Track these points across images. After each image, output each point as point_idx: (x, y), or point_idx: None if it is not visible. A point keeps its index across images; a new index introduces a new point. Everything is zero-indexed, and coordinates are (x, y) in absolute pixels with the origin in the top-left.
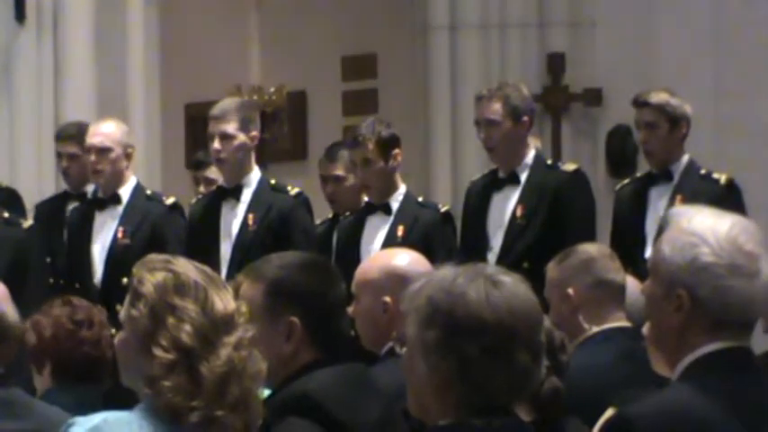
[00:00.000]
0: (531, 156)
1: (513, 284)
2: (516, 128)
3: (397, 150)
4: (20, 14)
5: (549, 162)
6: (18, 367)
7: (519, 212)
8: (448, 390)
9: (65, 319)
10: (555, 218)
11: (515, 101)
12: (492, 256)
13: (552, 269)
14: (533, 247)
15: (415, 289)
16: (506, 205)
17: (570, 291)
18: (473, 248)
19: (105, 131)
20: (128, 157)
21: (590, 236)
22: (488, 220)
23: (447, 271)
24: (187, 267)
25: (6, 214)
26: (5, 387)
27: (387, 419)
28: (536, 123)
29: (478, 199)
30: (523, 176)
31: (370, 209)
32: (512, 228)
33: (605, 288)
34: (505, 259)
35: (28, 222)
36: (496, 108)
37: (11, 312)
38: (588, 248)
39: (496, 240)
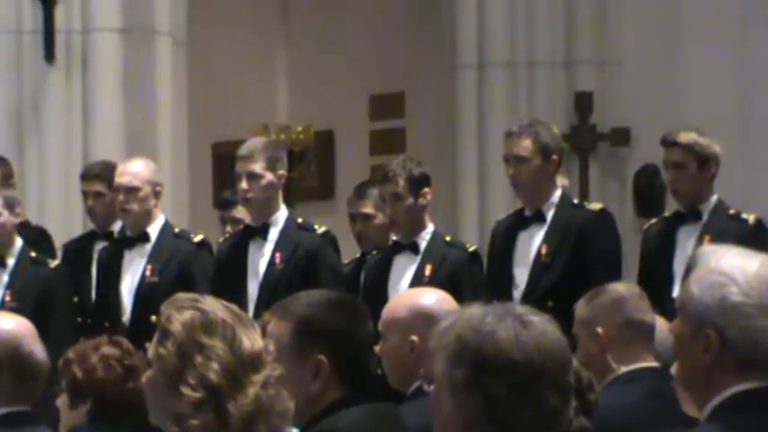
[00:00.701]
0: (557, 195)
1: (542, 324)
2: (545, 165)
3: (426, 189)
4: (49, 54)
5: (576, 201)
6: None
7: (544, 251)
8: (474, 429)
9: (114, 362)
10: (580, 257)
11: (546, 138)
12: (517, 294)
13: (582, 307)
14: (558, 286)
15: (443, 327)
16: (531, 244)
17: (599, 330)
18: (499, 286)
19: (134, 170)
20: (156, 195)
21: (615, 275)
22: (514, 259)
23: (476, 310)
24: (215, 306)
25: (33, 254)
26: (33, 425)
27: None
28: (564, 163)
29: (504, 237)
30: (549, 215)
31: (398, 248)
32: (536, 266)
33: (635, 328)
34: (530, 297)
35: (55, 262)
36: (526, 145)
37: (38, 351)
38: (618, 288)
39: (521, 278)
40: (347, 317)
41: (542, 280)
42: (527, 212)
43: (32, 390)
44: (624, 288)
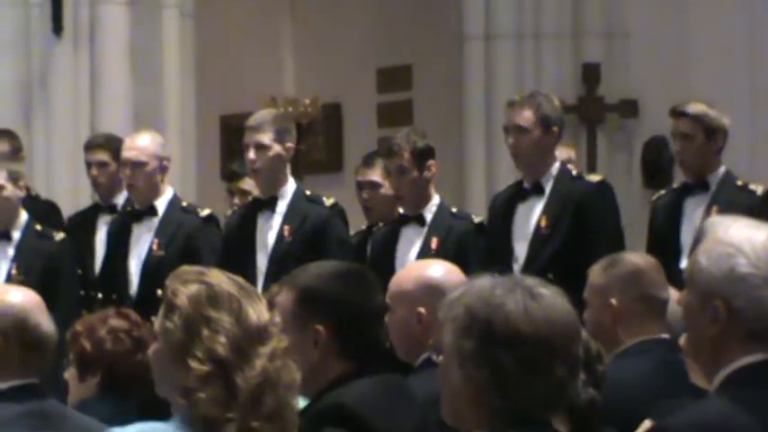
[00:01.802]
0: (556, 167)
1: (552, 297)
2: (545, 137)
3: (431, 161)
4: (57, 27)
5: (574, 173)
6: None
7: (543, 223)
8: (483, 400)
9: (123, 334)
10: (579, 228)
11: (546, 110)
12: (516, 267)
13: (597, 275)
14: (558, 258)
15: (452, 298)
16: (531, 216)
17: (613, 301)
18: (498, 258)
19: (140, 145)
20: (163, 169)
21: (615, 246)
22: (513, 231)
23: (485, 281)
24: (220, 279)
25: (39, 227)
26: (41, 398)
27: (423, 429)
28: (571, 134)
29: (503, 209)
30: (548, 187)
31: (404, 220)
32: (536, 238)
33: (650, 303)
34: (530, 269)
35: (60, 235)
36: (527, 115)
37: (45, 323)
38: (637, 260)
39: (521, 250)
40: (351, 287)
41: (542, 252)
42: (526, 185)
43: (40, 362)
44: (642, 260)
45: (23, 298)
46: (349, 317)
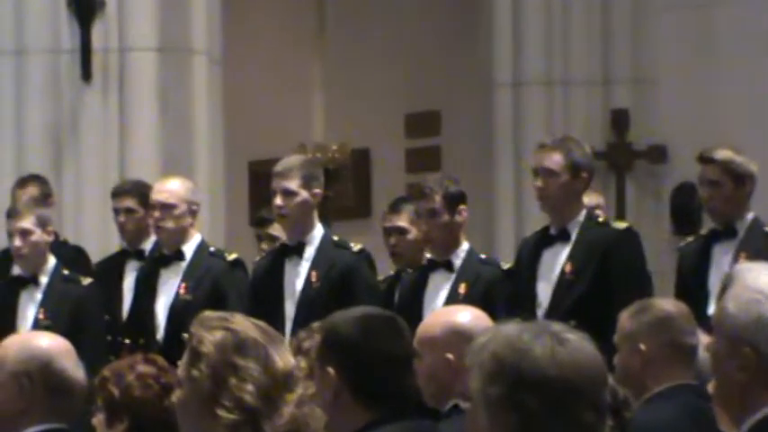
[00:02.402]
0: (582, 214)
1: (579, 342)
2: (573, 182)
3: (462, 206)
4: (86, 73)
5: (601, 220)
6: (80, 421)
7: (568, 269)
8: None
9: (152, 381)
10: (604, 275)
11: (577, 155)
12: (540, 312)
13: (627, 320)
14: (581, 305)
15: (479, 344)
16: (556, 261)
17: (642, 346)
18: (522, 304)
19: (170, 188)
20: (192, 214)
21: (639, 293)
22: (538, 276)
23: (511, 327)
24: (245, 325)
25: (66, 272)
26: None
27: None
28: (600, 180)
29: (529, 255)
30: (574, 233)
31: (433, 265)
32: (561, 284)
33: (679, 349)
34: (553, 315)
35: (87, 280)
36: (557, 159)
37: (73, 368)
38: (667, 306)
39: (545, 295)
40: (372, 332)
41: (566, 298)
42: (552, 230)
43: (67, 408)
44: (673, 306)
45: (51, 343)
46: (364, 362)
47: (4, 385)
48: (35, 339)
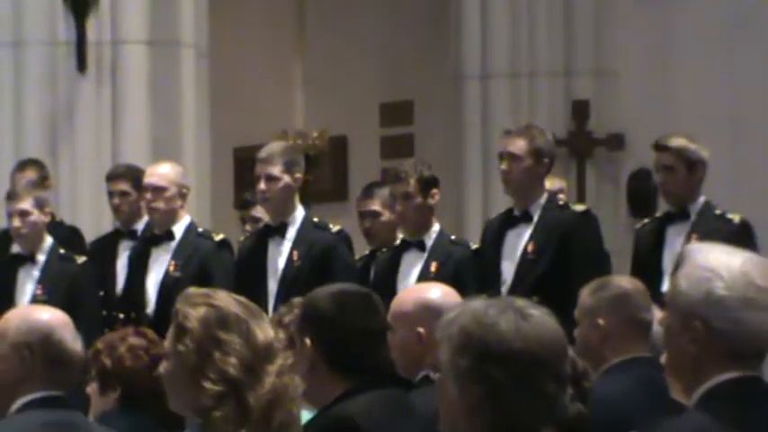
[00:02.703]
0: (544, 197)
1: (541, 317)
2: (535, 167)
3: (435, 190)
4: (81, 65)
5: (561, 203)
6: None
7: (530, 248)
8: (477, 414)
9: (142, 352)
10: (563, 255)
11: (539, 142)
12: (504, 289)
13: (586, 297)
14: (542, 282)
15: (448, 319)
16: (519, 241)
17: (601, 321)
18: (488, 281)
19: (162, 172)
20: (182, 196)
21: (597, 271)
22: (502, 255)
23: (478, 303)
24: (227, 301)
25: (62, 251)
26: (68, 410)
27: None
28: (562, 166)
29: (494, 235)
30: (536, 215)
31: (406, 245)
32: (523, 263)
33: (635, 324)
34: (516, 292)
35: (82, 258)
36: (521, 144)
37: (71, 340)
38: (624, 283)
39: (509, 273)
40: (346, 308)
41: (528, 276)
42: (516, 212)
43: (65, 377)
44: (630, 284)
45: (50, 316)
46: (338, 335)
47: (5, 356)
48: (36, 313)
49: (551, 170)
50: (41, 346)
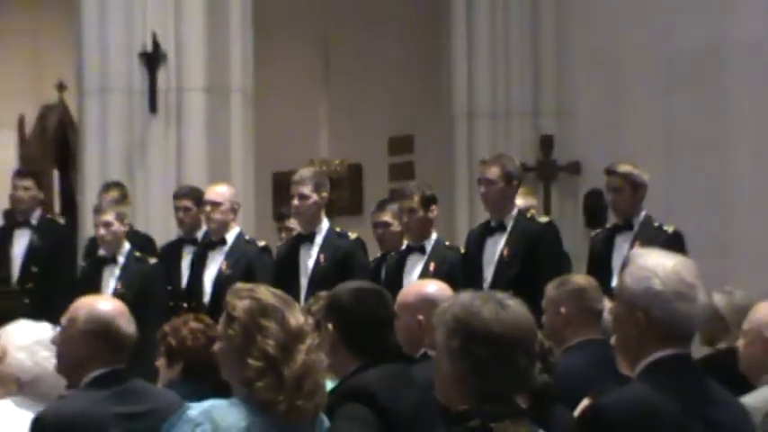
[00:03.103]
0: (515, 211)
1: (516, 306)
2: (507, 188)
3: (434, 206)
4: (152, 108)
5: (528, 215)
6: (147, 361)
7: (506, 253)
8: (465, 384)
9: (200, 334)
10: (532, 257)
11: (509, 168)
12: (485, 286)
13: (551, 290)
14: (516, 280)
15: (443, 308)
16: (496, 247)
17: (563, 309)
18: (472, 279)
19: (219, 191)
20: (234, 211)
21: (558, 271)
22: (483, 259)
23: (467, 295)
24: (267, 294)
25: (138, 254)
26: (130, 379)
27: (421, 405)
28: (532, 187)
29: (476, 242)
30: (509, 226)
31: (410, 250)
32: (500, 265)
33: (589, 312)
34: (496, 287)
35: (153, 260)
36: (494, 171)
37: (125, 326)
38: (581, 280)
39: (488, 273)
40: (362, 300)
41: (504, 275)
42: (492, 223)
43: (121, 355)
44: (585, 280)
45: (111, 307)
46: (355, 322)
47: (77, 339)
48: (99, 304)
49: (519, 189)
50: (106, 333)
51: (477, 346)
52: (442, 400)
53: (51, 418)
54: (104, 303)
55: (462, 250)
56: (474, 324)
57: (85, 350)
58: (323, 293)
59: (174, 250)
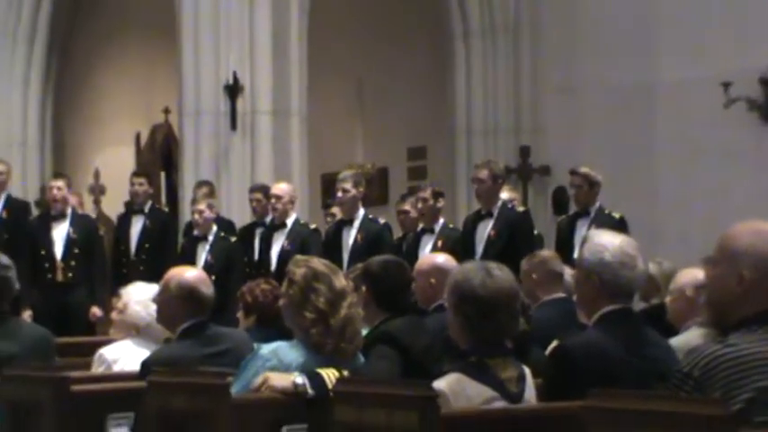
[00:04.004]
0: (500, 202)
1: (502, 275)
2: (493, 185)
3: (441, 199)
4: (233, 126)
5: (510, 206)
6: (230, 314)
7: (492, 234)
8: (465, 331)
9: (269, 293)
10: (512, 237)
11: (495, 170)
12: (477, 258)
13: (525, 263)
14: (501, 255)
15: (452, 274)
16: (485, 230)
17: (534, 276)
18: (467, 253)
19: (281, 187)
20: (292, 202)
21: (532, 248)
22: (476, 237)
23: (467, 265)
24: (317, 263)
25: (222, 234)
26: (210, 325)
27: (432, 346)
28: (512, 186)
29: (470, 225)
30: (495, 213)
31: (423, 231)
32: (488, 243)
33: (553, 276)
34: (484, 260)
35: (234, 238)
36: (484, 173)
37: (205, 289)
38: (545, 253)
39: (480, 249)
40: (388, 269)
41: (491, 250)
42: (483, 212)
43: (204, 310)
44: (548, 253)
45: (194, 275)
46: (382, 285)
47: (169, 300)
48: (186, 273)
49: (503, 186)
50: (191, 296)
51: (466, 305)
52: (453, 338)
53: (155, 360)
54: (190, 273)
55: (461, 231)
56: (465, 288)
57: (176, 308)
58: (359, 264)
59: (248, 232)
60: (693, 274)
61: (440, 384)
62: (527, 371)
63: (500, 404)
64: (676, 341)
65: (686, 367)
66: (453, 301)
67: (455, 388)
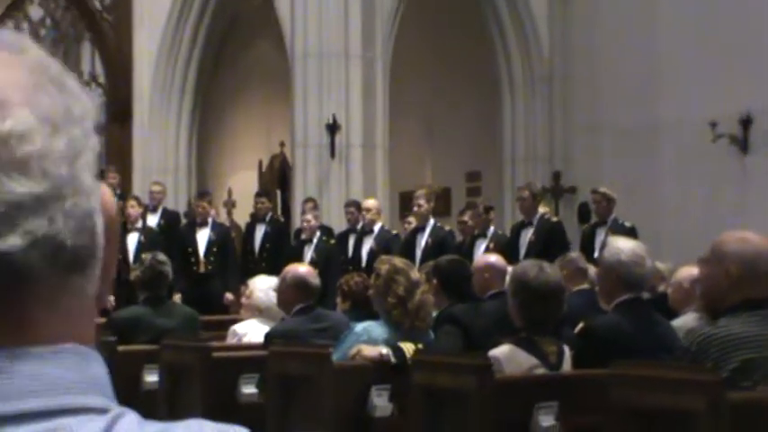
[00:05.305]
0: (538, 215)
1: (551, 270)
2: (533, 202)
3: (492, 212)
4: (332, 155)
5: (546, 217)
6: (330, 300)
7: (532, 239)
8: (519, 312)
9: (361, 284)
10: (547, 242)
11: (534, 190)
12: (521, 258)
13: (558, 262)
14: (539, 256)
15: (514, 268)
16: (527, 236)
17: (565, 272)
18: (513, 255)
19: (369, 202)
20: (378, 213)
21: (563, 250)
22: (519, 242)
23: (526, 262)
24: (397, 261)
25: (324, 238)
26: (316, 308)
27: (488, 326)
28: (547, 201)
29: (515, 233)
30: (534, 223)
31: (477, 236)
32: (529, 246)
33: (580, 272)
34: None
35: (333, 241)
36: (526, 192)
37: (312, 280)
38: (573, 254)
39: (522, 252)
40: (453, 265)
41: (532, 251)
42: (525, 222)
43: (312, 296)
44: (576, 254)
45: (304, 270)
46: (449, 278)
47: (286, 289)
48: (299, 268)
49: (540, 202)
50: (300, 283)
51: (522, 291)
52: (512, 318)
53: (275, 332)
54: (302, 267)
55: (508, 236)
56: (522, 278)
57: (291, 294)
58: (430, 262)
59: (344, 236)
60: (690, 271)
61: (496, 352)
62: (566, 348)
63: (541, 371)
64: (676, 323)
65: (686, 344)
66: (513, 288)
67: (508, 355)
